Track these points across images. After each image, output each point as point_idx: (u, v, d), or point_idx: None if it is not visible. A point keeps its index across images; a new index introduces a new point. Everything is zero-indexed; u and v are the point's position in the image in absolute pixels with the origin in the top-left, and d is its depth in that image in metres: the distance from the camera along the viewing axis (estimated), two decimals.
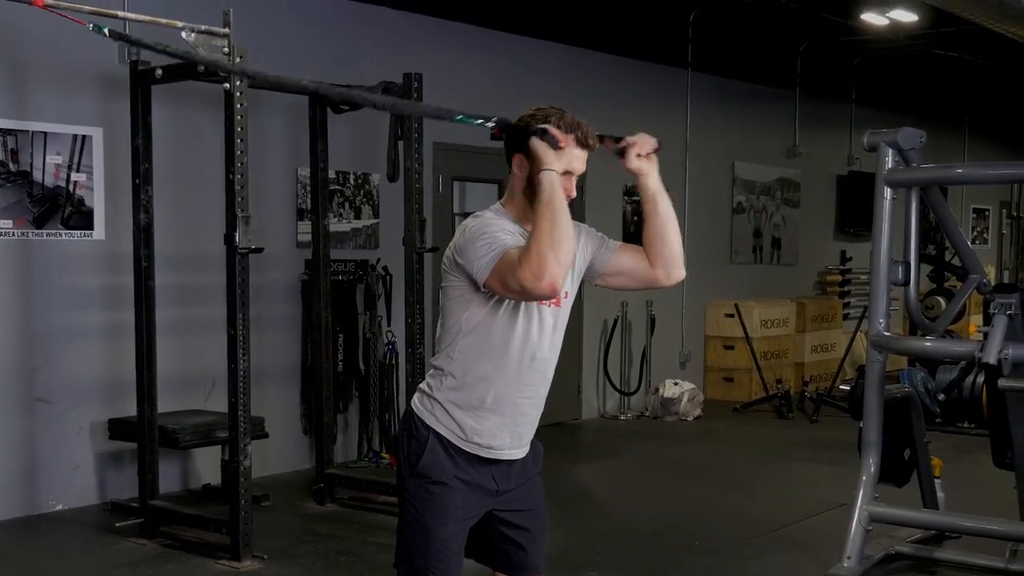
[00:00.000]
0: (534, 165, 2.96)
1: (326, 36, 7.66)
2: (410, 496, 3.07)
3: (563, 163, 2.95)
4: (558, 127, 2.98)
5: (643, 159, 3.10)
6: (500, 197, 3.18)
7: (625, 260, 3.20)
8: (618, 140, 3.09)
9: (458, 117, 3.07)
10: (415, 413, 3.10)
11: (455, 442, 3.04)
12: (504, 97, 8.47)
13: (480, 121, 3.05)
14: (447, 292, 3.05)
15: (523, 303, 3.00)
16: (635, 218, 9.91)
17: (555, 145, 2.94)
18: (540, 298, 2.91)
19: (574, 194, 3.06)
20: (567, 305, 3.13)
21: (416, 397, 3.14)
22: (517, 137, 3.00)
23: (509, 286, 2.87)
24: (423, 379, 3.17)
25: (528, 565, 3.23)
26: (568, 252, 2.87)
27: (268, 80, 3.05)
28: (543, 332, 3.07)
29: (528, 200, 3.02)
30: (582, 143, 3.01)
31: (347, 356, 7.68)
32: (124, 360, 6.30)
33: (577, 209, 3.42)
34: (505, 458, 3.10)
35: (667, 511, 6.74)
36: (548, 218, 2.85)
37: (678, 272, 3.19)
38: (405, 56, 7.57)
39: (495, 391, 3.03)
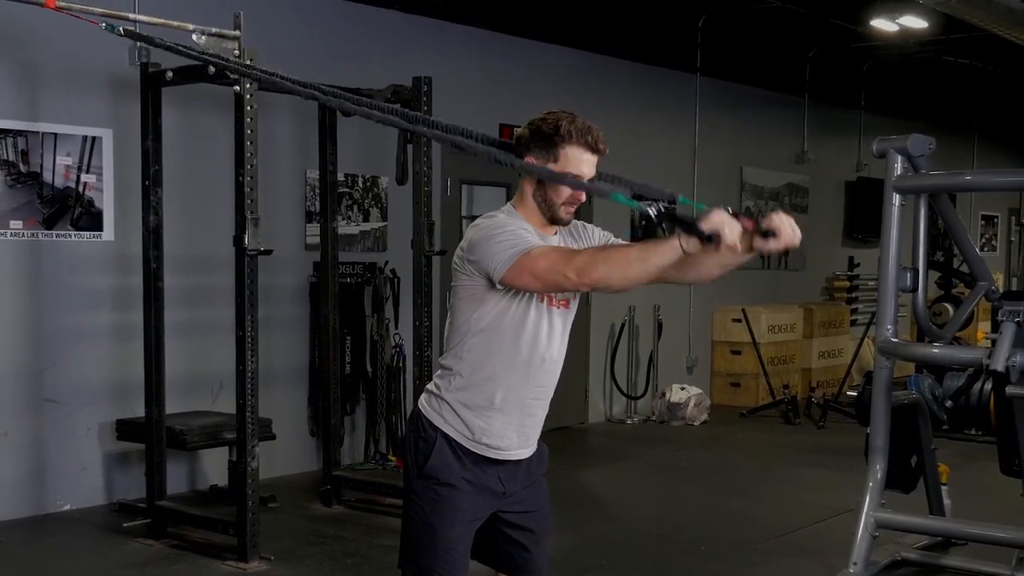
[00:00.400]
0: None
1: (332, 39, 7.67)
2: (417, 497, 3.08)
3: (690, 246, 2.65)
4: (569, 131, 2.99)
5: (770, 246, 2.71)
6: (507, 200, 3.19)
7: None
8: (756, 221, 2.66)
9: (616, 195, 2.84)
10: (423, 414, 3.11)
11: (463, 443, 3.05)
12: (511, 101, 8.50)
13: (647, 208, 2.79)
14: (457, 291, 3.06)
15: (533, 304, 3.00)
16: (643, 222, 9.88)
17: (716, 247, 2.60)
18: (560, 290, 2.94)
19: (583, 199, 3.07)
20: (574, 307, 3.15)
21: (424, 398, 3.15)
22: (685, 231, 2.64)
23: (537, 272, 2.85)
24: (430, 381, 3.19)
25: (532, 567, 3.24)
26: (610, 287, 2.91)
27: (286, 87, 3.03)
28: (552, 333, 3.08)
29: (538, 204, 3.04)
30: (592, 148, 3.02)
31: (355, 358, 7.69)
32: (132, 361, 6.32)
33: (585, 211, 3.42)
34: (512, 458, 3.12)
35: (673, 515, 6.74)
36: (633, 261, 2.78)
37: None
38: (411, 59, 7.59)
39: (503, 391, 3.04)
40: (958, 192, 10.52)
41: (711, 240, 2.58)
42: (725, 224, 2.58)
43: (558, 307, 3.08)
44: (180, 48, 3.45)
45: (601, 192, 2.97)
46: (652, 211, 2.76)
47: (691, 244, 2.64)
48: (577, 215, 3.14)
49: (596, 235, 3.25)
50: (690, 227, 2.62)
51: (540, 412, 3.15)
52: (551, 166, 3.00)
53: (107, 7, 4.61)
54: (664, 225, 2.75)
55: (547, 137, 3.01)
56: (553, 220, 3.07)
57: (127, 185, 6.46)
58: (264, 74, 2.99)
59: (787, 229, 2.68)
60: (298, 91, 3.09)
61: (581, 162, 3.01)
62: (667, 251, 2.69)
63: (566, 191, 3.01)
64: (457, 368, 3.07)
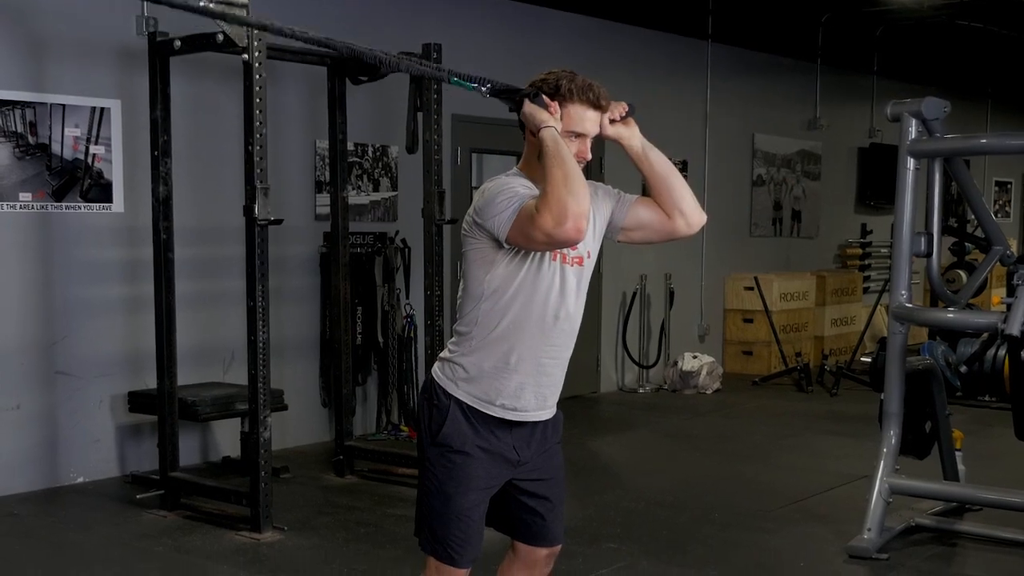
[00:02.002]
0: (530, 124, 2.99)
1: (341, 6, 7.62)
2: (431, 465, 3.07)
3: (558, 121, 2.97)
4: (569, 89, 3.00)
5: (619, 124, 3.12)
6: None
7: (643, 212, 3.19)
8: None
9: (453, 79, 3.07)
10: (436, 382, 3.10)
11: (478, 407, 3.04)
12: (521, 67, 8.42)
13: (475, 85, 3.06)
14: (468, 256, 3.05)
15: (546, 262, 2.98)
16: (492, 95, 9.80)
17: (544, 107, 2.97)
18: (566, 243, 2.89)
19: (588, 156, 3.06)
20: (589, 265, 3.12)
21: (437, 366, 3.13)
22: (510, 97, 3.04)
23: (533, 237, 2.85)
24: (442, 351, 3.17)
25: (547, 534, 3.23)
26: (585, 195, 2.85)
27: (284, 32, 3.01)
28: (566, 291, 3.05)
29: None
30: (594, 104, 3.01)
31: (366, 329, 7.68)
32: (144, 333, 6.32)
33: (595, 172, 3.41)
34: (530, 419, 3.10)
35: (686, 484, 6.73)
36: (557, 166, 2.85)
37: (698, 217, 3.19)
38: (422, 27, 7.54)
39: (519, 351, 3.02)
40: (973, 155, 10.46)
41: (536, 97, 2.97)
42: (592, 88, 3.01)
43: (572, 264, 3.05)
44: (192, 5, 3.40)
45: (442, 78, 3.16)
46: (484, 89, 3.07)
47: (537, 114, 2.95)
48: (588, 175, 3.11)
49: (612, 192, 3.23)
50: (515, 91, 3.02)
51: (557, 372, 3.12)
52: None
53: None
54: (498, 98, 3.09)
55: (548, 96, 3.00)
56: None
57: (136, 156, 6.44)
58: (277, 30, 2.97)
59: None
60: (311, 39, 3.07)
61: (584, 119, 3.01)
62: (550, 138, 2.90)
63: (570, 149, 2.98)
64: (471, 332, 3.05)
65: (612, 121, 3.09)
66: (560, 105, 2.99)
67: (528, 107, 2.98)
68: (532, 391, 3.07)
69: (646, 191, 3.22)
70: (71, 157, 6.37)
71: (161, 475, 6.00)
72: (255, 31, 5.21)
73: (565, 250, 3.00)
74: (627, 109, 3.12)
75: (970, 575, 5.24)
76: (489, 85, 3.05)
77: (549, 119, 2.95)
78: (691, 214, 3.17)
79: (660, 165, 3.15)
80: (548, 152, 2.89)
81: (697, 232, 3.26)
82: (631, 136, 3.14)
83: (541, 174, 2.98)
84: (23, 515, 5.89)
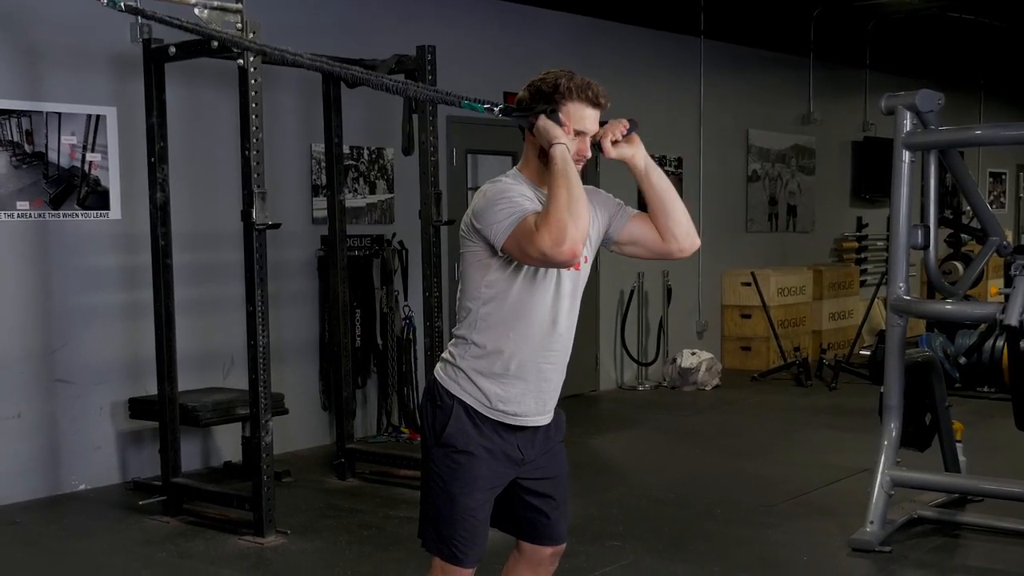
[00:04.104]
0: (542, 139, 2.98)
1: (335, 9, 7.63)
2: (436, 466, 3.08)
3: (571, 140, 2.97)
4: (568, 87, 2.99)
5: (621, 144, 3.08)
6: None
7: (637, 229, 3.18)
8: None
9: (464, 102, 3.06)
10: (439, 382, 3.10)
11: (480, 410, 3.04)
12: (514, 68, 8.45)
13: (487, 106, 3.05)
14: (466, 258, 3.05)
15: (541, 268, 2.99)
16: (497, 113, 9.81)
17: (559, 123, 2.95)
18: (560, 265, 2.91)
19: (588, 154, 3.07)
20: (585, 270, 3.13)
21: (439, 367, 3.14)
22: (525, 117, 3.01)
23: (529, 253, 2.87)
24: (441, 353, 3.17)
25: (552, 533, 3.24)
26: (585, 220, 2.87)
27: (286, 58, 3.02)
28: (562, 297, 3.07)
29: (543, 164, 3.02)
30: (593, 103, 3.01)
31: (365, 331, 7.69)
32: (143, 339, 6.32)
33: (591, 177, 3.42)
34: (531, 424, 3.11)
35: (687, 480, 6.74)
36: (563, 187, 2.85)
37: (690, 243, 3.18)
38: (415, 28, 7.55)
39: (519, 357, 3.03)
40: (968, 147, 10.47)
41: (554, 113, 2.96)
42: (591, 87, 3.00)
43: (568, 269, 3.06)
44: (183, 23, 3.41)
45: (450, 102, 3.15)
46: (497, 110, 3.05)
47: (552, 130, 2.93)
48: (584, 180, 3.12)
49: (611, 200, 3.23)
50: (527, 111, 3.00)
51: (556, 377, 3.14)
52: None
53: None
54: (509, 117, 3.06)
55: (547, 96, 3.01)
56: None
57: (133, 163, 6.45)
58: (266, 49, 2.98)
59: (610, 128, 3.05)
60: (302, 63, 3.07)
61: (584, 118, 3.01)
62: (559, 155, 2.90)
63: (572, 147, 2.99)
64: (471, 337, 3.05)
65: (615, 142, 3.05)
66: (560, 103, 2.99)
67: (542, 122, 2.96)
68: (533, 396, 3.08)
69: (641, 201, 3.22)
70: (68, 165, 6.37)
71: (163, 481, 6.00)
72: (250, 36, 5.20)
73: None
74: (628, 126, 3.07)
75: (973, 566, 5.24)
76: (501, 106, 3.05)
77: (562, 136, 2.94)
78: (683, 239, 3.15)
79: (660, 186, 3.12)
80: (556, 170, 2.89)
81: (689, 256, 3.26)
82: (635, 155, 3.10)
83: (543, 176, 3.00)
84: (25, 523, 5.89)
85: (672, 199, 3.14)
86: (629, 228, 3.18)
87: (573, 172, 2.90)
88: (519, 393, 3.05)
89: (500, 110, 3.06)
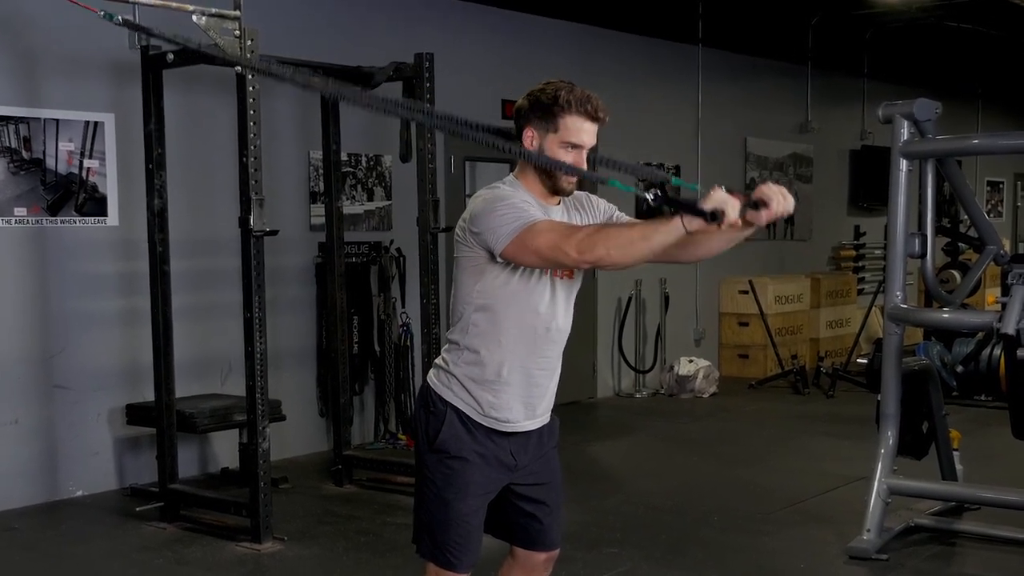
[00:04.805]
0: (544, 138, 2.97)
1: (333, 16, 7.64)
2: (429, 472, 3.08)
3: (693, 226, 2.70)
4: (568, 100, 2.97)
5: (743, 222, 2.75)
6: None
7: None
8: (748, 195, 2.73)
9: (612, 181, 2.85)
10: (432, 388, 3.11)
11: (473, 416, 3.05)
12: (513, 76, 8.47)
13: (643, 193, 2.82)
14: (460, 263, 3.06)
15: (536, 274, 3.00)
16: (644, 207, 9.82)
17: (719, 225, 2.66)
18: (560, 267, 2.93)
19: (584, 167, 3.06)
20: (578, 277, 3.14)
21: (432, 372, 3.15)
22: (686, 212, 2.69)
23: (538, 249, 2.85)
24: (436, 358, 3.18)
25: (546, 539, 3.25)
26: (611, 265, 2.84)
27: (284, 77, 3.00)
28: (556, 303, 3.08)
29: (539, 175, 3.03)
30: (592, 117, 3.00)
31: (362, 338, 7.69)
32: (141, 345, 6.32)
33: (589, 185, 3.40)
34: (521, 430, 3.12)
35: (684, 487, 6.74)
36: (636, 239, 2.77)
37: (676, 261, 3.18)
38: (413, 36, 7.55)
39: (510, 363, 3.04)
40: (965, 156, 10.48)
41: (715, 218, 2.63)
42: (726, 202, 2.64)
43: (562, 277, 3.07)
44: (181, 41, 3.40)
45: (597, 179, 2.99)
46: (650, 196, 2.80)
47: (694, 224, 2.68)
48: (580, 187, 3.13)
49: (602, 208, 3.23)
50: (691, 208, 2.66)
51: (547, 383, 3.14)
52: (551, 135, 3.00)
53: None
54: (665, 208, 2.77)
55: (546, 107, 3.00)
56: (555, 191, 3.06)
57: (130, 169, 6.45)
58: (266, 70, 2.99)
59: (777, 197, 2.71)
60: (298, 83, 3.05)
61: (581, 131, 3.00)
62: (670, 230, 2.73)
63: (566, 160, 2.99)
64: (464, 342, 3.06)
65: (767, 217, 2.72)
66: (558, 116, 2.98)
67: (700, 220, 2.67)
68: (522, 402, 3.09)
69: (639, 212, 3.21)
70: (65, 171, 6.37)
71: (160, 487, 6.00)
72: (248, 43, 5.21)
73: None
74: (788, 214, 2.76)
75: (969, 574, 5.24)
76: (655, 195, 2.78)
77: (691, 226, 2.69)
78: (697, 260, 3.20)
79: (716, 249, 3.02)
80: (656, 227, 2.74)
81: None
82: (753, 228, 2.82)
83: (540, 186, 3.00)
84: (22, 529, 5.88)
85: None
86: None
87: (657, 241, 2.75)
88: (510, 399, 3.06)
89: (655, 197, 2.78)
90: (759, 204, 2.71)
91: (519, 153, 2.98)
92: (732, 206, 2.63)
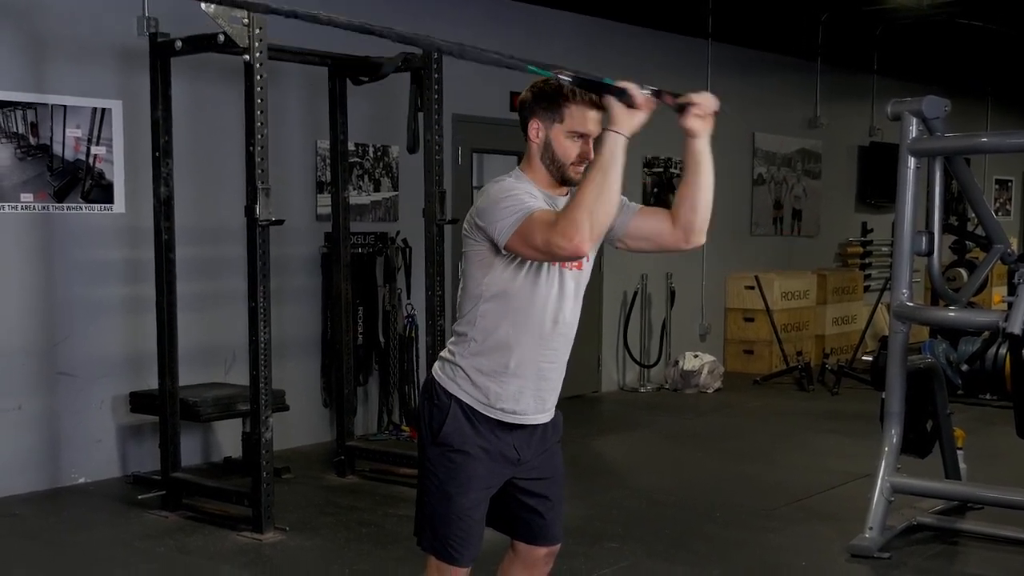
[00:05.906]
0: (549, 128, 2.97)
1: (343, 7, 7.55)
2: (432, 465, 3.08)
3: (632, 127, 2.84)
4: (572, 89, 2.97)
5: (699, 119, 2.97)
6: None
7: (645, 224, 3.15)
8: (677, 96, 2.93)
9: (531, 68, 2.93)
10: (436, 381, 3.10)
11: (478, 408, 3.04)
12: None
13: (552, 73, 2.93)
14: (468, 256, 3.05)
15: (545, 267, 2.99)
16: (655, 190, 9.86)
17: (631, 105, 2.83)
18: (563, 259, 2.91)
19: (592, 157, 3.05)
20: (588, 268, 3.13)
21: (437, 365, 3.14)
22: (592, 90, 2.91)
23: (535, 245, 2.84)
24: (442, 350, 3.17)
25: (547, 533, 3.24)
26: (603, 223, 2.82)
27: (305, 16, 3.02)
28: (564, 296, 3.06)
29: (546, 166, 3.02)
30: (596, 105, 2.99)
31: (367, 329, 7.68)
32: (145, 333, 6.31)
33: None
34: (529, 423, 3.11)
35: (688, 482, 6.73)
36: (597, 183, 2.79)
37: (698, 239, 3.14)
38: (422, 27, 7.48)
39: (518, 355, 3.03)
40: (973, 154, 10.45)
41: (623, 94, 2.81)
42: (631, 86, 2.83)
43: (570, 269, 3.06)
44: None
45: (518, 67, 2.98)
46: (566, 78, 2.92)
47: (614, 114, 2.82)
48: None
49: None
50: (599, 84, 2.89)
51: (555, 376, 3.13)
52: (557, 126, 3.01)
53: None
54: (579, 90, 2.95)
55: (550, 97, 3.00)
56: (563, 180, 3.05)
57: (137, 157, 6.44)
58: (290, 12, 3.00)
59: (699, 97, 2.93)
60: (321, 20, 3.11)
61: (587, 119, 2.99)
62: (613, 148, 2.81)
63: (573, 150, 2.99)
64: (471, 334, 3.05)
65: (697, 115, 2.94)
66: (563, 106, 2.98)
67: (611, 103, 2.86)
68: (531, 395, 3.08)
69: (646, 200, 3.21)
70: (72, 158, 6.37)
71: (163, 476, 6.00)
72: (256, 32, 5.20)
73: None
74: (717, 109, 2.97)
75: (972, 573, 5.23)
76: (571, 74, 2.91)
77: (624, 125, 2.84)
78: (697, 233, 3.10)
79: (706, 177, 3.06)
80: (599, 162, 2.82)
81: (690, 250, 3.23)
82: (704, 135, 3.01)
83: (547, 178, 2.99)
84: (25, 516, 5.89)
85: (707, 195, 3.08)
86: (636, 224, 3.15)
87: (616, 169, 2.81)
88: (517, 391, 3.05)
89: (572, 79, 2.92)
90: (684, 106, 2.94)
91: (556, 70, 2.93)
92: (635, 87, 2.82)
